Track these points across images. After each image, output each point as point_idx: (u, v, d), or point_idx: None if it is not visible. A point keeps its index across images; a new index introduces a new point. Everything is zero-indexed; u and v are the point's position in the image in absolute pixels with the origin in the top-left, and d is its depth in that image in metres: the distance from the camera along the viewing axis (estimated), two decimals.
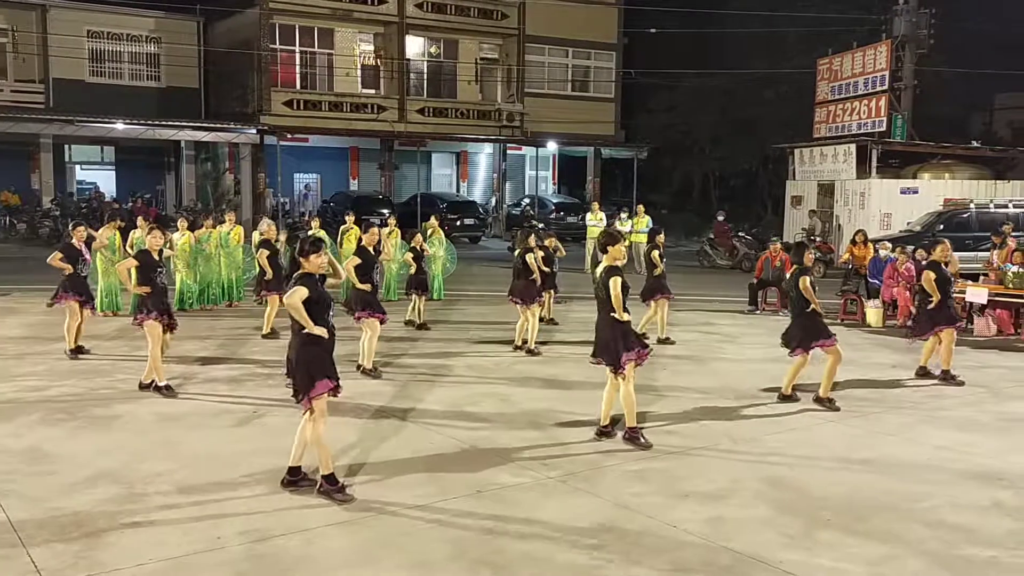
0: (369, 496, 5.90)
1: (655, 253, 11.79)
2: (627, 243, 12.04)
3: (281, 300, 11.23)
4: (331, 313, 5.97)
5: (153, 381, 8.55)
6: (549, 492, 6.09)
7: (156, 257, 8.76)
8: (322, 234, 14.83)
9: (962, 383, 9.58)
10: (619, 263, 7.18)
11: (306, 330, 5.77)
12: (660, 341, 11.45)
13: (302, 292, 5.76)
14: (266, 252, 11.78)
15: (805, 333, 8.52)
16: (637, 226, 21.09)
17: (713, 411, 8.29)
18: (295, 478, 5.99)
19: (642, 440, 7.10)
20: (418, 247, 12.84)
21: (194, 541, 5.12)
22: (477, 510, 5.72)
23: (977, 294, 12.80)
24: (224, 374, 9.49)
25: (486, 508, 5.76)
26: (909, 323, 10.83)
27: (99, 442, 7.02)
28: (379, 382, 9.21)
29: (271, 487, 6.01)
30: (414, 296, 12.80)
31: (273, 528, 5.33)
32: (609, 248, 7.17)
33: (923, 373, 9.93)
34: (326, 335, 5.84)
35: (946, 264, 9.80)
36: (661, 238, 12.12)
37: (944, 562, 5.07)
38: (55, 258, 10.16)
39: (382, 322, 9.56)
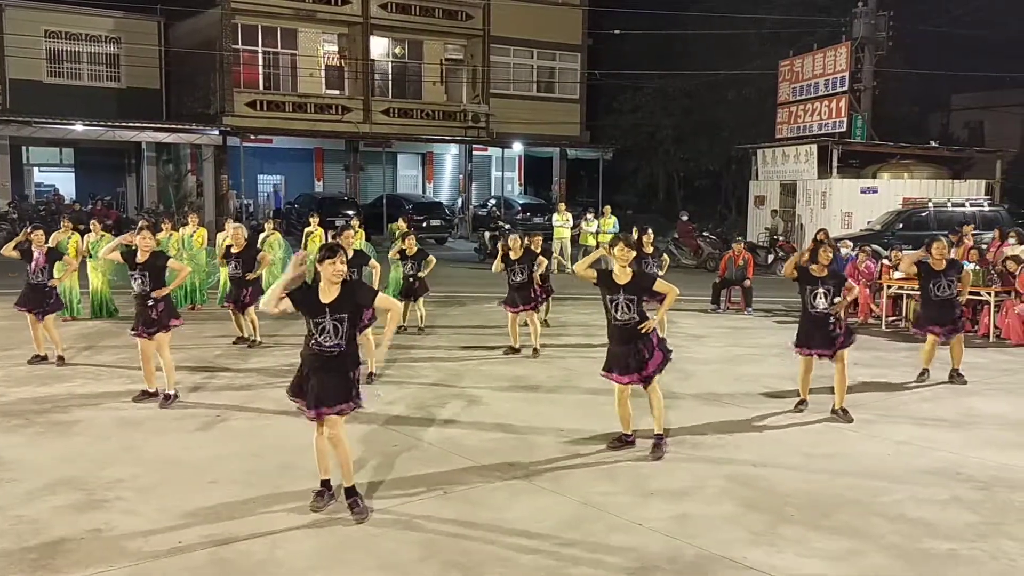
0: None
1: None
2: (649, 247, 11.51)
3: (235, 307, 11.22)
4: (324, 325, 5.42)
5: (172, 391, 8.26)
6: (516, 492, 6.09)
7: (140, 259, 8.19)
8: (277, 236, 14.70)
9: (924, 380, 9.75)
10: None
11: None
12: None
13: (285, 302, 5.44)
14: (224, 261, 11.66)
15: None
16: (604, 227, 21.20)
17: (678, 410, 8.33)
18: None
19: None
20: (407, 250, 12.12)
21: (156, 546, 5.05)
22: (445, 511, 5.70)
23: None
24: (186, 378, 9.35)
25: (454, 509, 5.74)
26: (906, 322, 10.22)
27: (59, 448, 6.89)
28: None
29: (234, 491, 5.95)
30: (406, 303, 11.97)
31: (237, 532, 5.27)
32: (612, 250, 6.84)
33: (954, 375, 9.72)
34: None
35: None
36: (648, 237, 11.70)
37: (905, 555, 5.15)
38: (9, 248, 10.05)
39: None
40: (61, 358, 9.98)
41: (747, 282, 15.03)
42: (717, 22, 31.63)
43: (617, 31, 32.29)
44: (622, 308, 6.73)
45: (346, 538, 5.26)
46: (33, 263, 9.82)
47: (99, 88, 29.36)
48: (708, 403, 8.64)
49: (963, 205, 21.26)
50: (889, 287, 13.73)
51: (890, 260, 14.24)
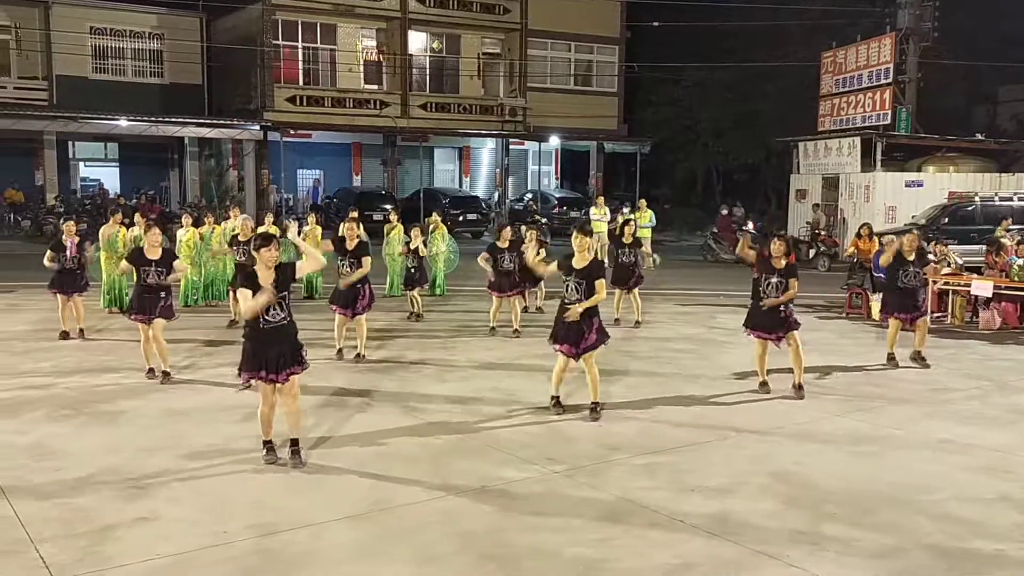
0: (374, 490, 5.91)
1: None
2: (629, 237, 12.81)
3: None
4: (272, 305, 6.22)
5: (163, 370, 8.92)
6: (554, 486, 6.09)
7: (150, 256, 8.84)
8: (318, 229, 15.02)
9: (897, 366, 10.03)
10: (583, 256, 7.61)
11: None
12: (636, 323, 12.60)
13: (246, 294, 6.24)
14: (231, 249, 12.26)
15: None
16: (640, 221, 21.09)
17: (718, 406, 8.29)
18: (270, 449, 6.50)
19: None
20: (420, 243, 12.99)
21: (200, 536, 5.14)
22: (483, 504, 5.72)
23: (982, 287, 12.76)
24: (230, 370, 9.46)
25: (492, 502, 5.76)
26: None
27: (105, 437, 7.03)
28: (383, 377, 9.22)
29: (277, 481, 6.03)
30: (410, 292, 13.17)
31: (279, 523, 5.34)
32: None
33: (916, 357, 10.21)
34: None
35: (913, 254, 10.16)
36: (629, 228, 13.07)
37: (950, 555, 5.06)
38: (48, 258, 11.03)
39: (349, 315, 9.96)
40: (82, 331, 11.02)
41: None
42: (758, 13, 31.25)
43: (656, 23, 32.03)
44: (572, 289, 7.52)
45: (386, 530, 5.31)
46: (68, 251, 10.87)
47: (143, 84, 29.82)
48: (748, 400, 8.56)
49: (1011, 199, 20.79)
50: (935, 282, 13.48)
51: (935, 255, 13.98)
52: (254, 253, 6.42)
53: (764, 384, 8.76)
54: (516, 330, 11.75)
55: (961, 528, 5.44)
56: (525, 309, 13.34)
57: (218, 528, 5.24)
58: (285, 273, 6.37)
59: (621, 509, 5.67)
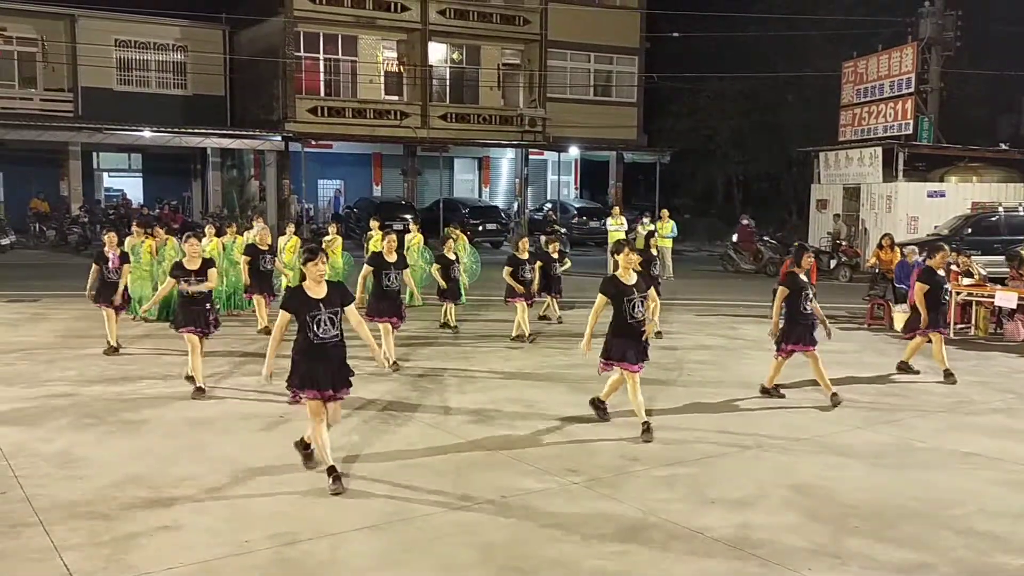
0: (395, 501, 5.93)
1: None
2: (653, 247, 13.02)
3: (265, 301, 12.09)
4: (320, 319, 6.04)
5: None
6: (574, 498, 6.08)
7: (189, 266, 8.91)
8: (339, 239, 15.22)
9: (917, 372, 10.17)
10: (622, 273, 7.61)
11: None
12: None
13: (284, 317, 6.12)
14: (247, 258, 12.34)
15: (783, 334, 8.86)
16: (662, 231, 21.08)
17: (740, 417, 8.25)
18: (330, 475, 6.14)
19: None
20: (449, 254, 13.05)
21: (222, 544, 5.17)
22: (502, 515, 5.72)
23: (1007, 298, 12.63)
24: (251, 379, 9.54)
25: (511, 513, 5.76)
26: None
27: (128, 446, 7.09)
28: (403, 386, 9.25)
29: (297, 491, 6.05)
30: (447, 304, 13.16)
31: (300, 532, 5.36)
32: (617, 256, 7.65)
33: (904, 368, 10.34)
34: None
35: (945, 270, 10.53)
36: (654, 240, 13.51)
37: (975, 570, 5.01)
38: (94, 272, 10.76)
39: (397, 324, 10.09)
40: (116, 348, 10.80)
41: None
42: (778, 23, 31.18)
43: (675, 34, 32.02)
44: (636, 307, 7.45)
45: (406, 541, 5.32)
46: (110, 263, 10.61)
47: (166, 95, 30.16)
48: (770, 411, 8.52)
49: None
50: (958, 293, 13.36)
51: (958, 266, 13.86)
52: (302, 268, 6.23)
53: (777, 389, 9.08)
54: (520, 336, 11.95)
55: (986, 543, 5.38)
56: (559, 320, 13.62)
57: (240, 537, 5.27)
58: (336, 290, 6.21)
59: (641, 522, 5.65)
